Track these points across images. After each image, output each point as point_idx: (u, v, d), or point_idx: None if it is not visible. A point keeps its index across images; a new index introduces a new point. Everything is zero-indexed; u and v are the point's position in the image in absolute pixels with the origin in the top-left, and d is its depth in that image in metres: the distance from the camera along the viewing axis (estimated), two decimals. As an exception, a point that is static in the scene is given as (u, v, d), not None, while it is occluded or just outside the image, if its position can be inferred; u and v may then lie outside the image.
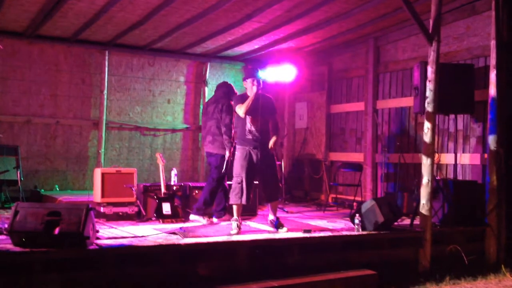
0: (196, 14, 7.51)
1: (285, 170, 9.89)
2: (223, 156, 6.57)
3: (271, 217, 6.12)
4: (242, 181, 5.87)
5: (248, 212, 6.93)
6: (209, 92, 10.22)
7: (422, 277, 5.78)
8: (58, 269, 4.50)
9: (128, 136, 9.63)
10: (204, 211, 6.65)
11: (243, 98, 6.05)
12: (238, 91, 10.33)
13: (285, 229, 5.98)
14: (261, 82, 6.00)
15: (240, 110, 5.94)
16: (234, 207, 5.93)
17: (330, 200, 9.37)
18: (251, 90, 6.03)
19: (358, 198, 8.38)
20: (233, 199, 5.90)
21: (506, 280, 5.86)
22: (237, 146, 6.05)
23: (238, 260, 5.31)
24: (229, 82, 7.15)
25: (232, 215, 5.94)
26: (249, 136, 5.97)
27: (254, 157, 5.94)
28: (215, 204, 6.75)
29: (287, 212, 7.94)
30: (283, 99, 10.58)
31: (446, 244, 6.37)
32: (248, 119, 5.97)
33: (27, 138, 8.76)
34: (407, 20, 7.73)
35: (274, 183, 6.08)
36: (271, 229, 6.05)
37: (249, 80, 6.07)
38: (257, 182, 6.44)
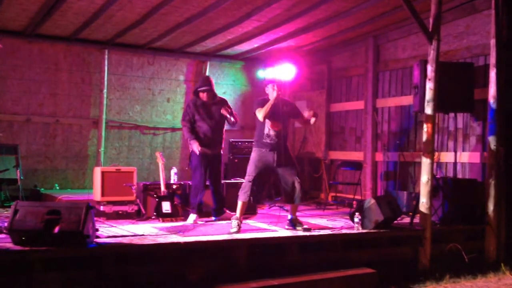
0: (196, 13, 7.51)
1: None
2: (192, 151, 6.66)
3: (289, 216, 6.16)
4: (252, 180, 5.92)
5: (248, 210, 6.92)
6: (208, 91, 10.22)
7: (422, 275, 5.78)
8: (58, 268, 4.50)
9: (128, 135, 9.63)
10: (196, 209, 6.62)
11: (263, 102, 6.06)
12: (233, 89, 10.47)
13: (302, 227, 5.99)
14: (279, 87, 6.04)
15: (259, 114, 5.96)
16: (239, 204, 5.95)
17: (329, 199, 9.37)
18: (272, 95, 6.05)
19: (358, 197, 8.39)
20: (242, 196, 5.96)
21: (506, 278, 5.86)
22: (254, 148, 6.09)
23: (237, 258, 5.31)
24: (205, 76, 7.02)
25: (234, 213, 5.96)
26: (267, 140, 6.00)
27: (271, 159, 5.97)
28: (211, 202, 6.79)
29: (287, 210, 7.91)
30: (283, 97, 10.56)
31: (446, 243, 6.37)
32: (268, 123, 6.00)
33: (26, 137, 8.77)
34: (407, 19, 7.72)
35: (293, 188, 6.04)
36: (289, 227, 6.05)
37: (270, 86, 6.12)
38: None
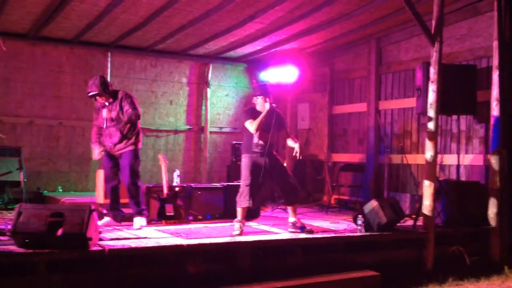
0: (199, 16, 7.52)
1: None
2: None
3: (291, 219, 6.15)
4: (249, 184, 5.93)
5: (250, 213, 6.92)
6: (211, 93, 10.24)
7: (425, 278, 5.76)
8: (61, 270, 4.51)
9: (131, 137, 9.63)
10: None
11: (253, 113, 6.06)
12: (235, 91, 10.49)
13: (305, 229, 5.99)
14: (271, 99, 6.04)
15: (252, 126, 5.97)
16: (240, 211, 5.96)
17: (332, 201, 9.36)
18: (262, 106, 6.05)
19: (361, 199, 8.37)
20: (241, 202, 5.95)
21: (509, 281, 5.83)
22: (243, 154, 6.11)
23: (240, 261, 5.31)
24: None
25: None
26: (256, 149, 6.03)
27: (262, 163, 5.99)
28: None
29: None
30: (285, 100, 10.57)
31: (449, 245, 6.36)
32: (257, 133, 6.01)
33: (30, 139, 8.78)
34: (409, 21, 7.72)
35: (291, 186, 6.09)
36: (293, 230, 6.05)
37: (260, 97, 6.08)
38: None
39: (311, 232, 5.92)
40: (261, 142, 6.01)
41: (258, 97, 6.11)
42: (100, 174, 6.97)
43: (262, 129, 5.99)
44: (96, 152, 6.25)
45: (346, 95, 9.71)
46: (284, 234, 5.93)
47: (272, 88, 6.19)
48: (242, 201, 5.94)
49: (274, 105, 6.03)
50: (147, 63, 9.73)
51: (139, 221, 6.13)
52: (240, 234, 5.74)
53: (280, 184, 6.10)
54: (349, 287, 5.29)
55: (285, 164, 6.48)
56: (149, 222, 6.55)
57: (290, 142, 6.19)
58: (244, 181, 5.98)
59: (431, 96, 6.20)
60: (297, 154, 6.02)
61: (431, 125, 6.18)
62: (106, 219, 6.31)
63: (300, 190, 6.25)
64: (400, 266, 6.02)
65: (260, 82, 6.26)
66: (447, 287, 5.55)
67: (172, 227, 6.23)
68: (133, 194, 6.24)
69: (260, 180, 6.00)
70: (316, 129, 10.20)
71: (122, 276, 4.75)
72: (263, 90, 6.16)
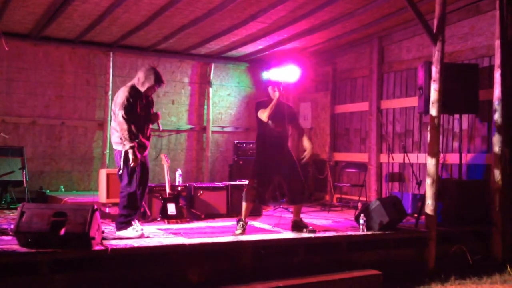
0: (201, 15, 7.53)
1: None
2: (119, 152, 5.55)
3: (294, 218, 6.15)
4: (257, 181, 5.93)
5: (253, 212, 6.93)
6: (213, 92, 10.25)
7: (427, 277, 5.77)
8: (64, 270, 4.52)
9: (133, 137, 9.63)
10: (133, 218, 5.63)
11: (265, 103, 6.08)
12: (237, 90, 10.49)
13: (307, 229, 5.98)
14: (281, 88, 6.05)
15: (263, 114, 5.97)
16: (244, 206, 5.96)
17: (334, 201, 9.37)
18: (273, 95, 6.08)
19: (363, 198, 8.38)
20: (247, 197, 5.96)
21: (512, 280, 5.85)
22: (257, 149, 6.13)
23: (242, 260, 5.31)
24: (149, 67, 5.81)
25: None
26: (270, 141, 6.03)
27: (274, 160, 5.97)
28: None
29: (291, 212, 7.92)
30: (287, 99, 10.53)
31: (451, 244, 6.36)
32: (271, 124, 6.01)
33: (32, 139, 8.80)
34: (411, 20, 7.72)
35: (298, 186, 6.07)
36: (295, 229, 6.04)
37: (270, 87, 6.14)
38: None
39: (313, 231, 5.92)
40: (274, 133, 6.01)
41: (269, 87, 6.16)
42: (103, 174, 6.98)
43: (275, 120, 5.98)
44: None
45: (348, 94, 9.70)
46: (286, 233, 5.94)
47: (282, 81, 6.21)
48: (249, 198, 5.95)
49: (282, 91, 6.00)
50: (149, 62, 9.71)
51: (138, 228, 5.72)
52: (243, 233, 5.75)
53: (288, 181, 6.06)
54: (351, 286, 5.30)
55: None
56: (151, 221, 6.58)
57: (306, 142, 6.17)
58: (252, 178, 5.98)
59: (433, 95, 6.20)
60: (305, 156, 6.00)
61: (433, 124, 6.18)
62: (139, 228, 5.57)
63: (306, 191, 6.20)
64: (402, 265, 6.02)
65: (272, 77, 6.38)
66: (449, 286, 5.55)
67: (174, 226, 6.24)
68: (143, 199, 5.97)
69: (270, 178, 6.00)
70: (318, 128, 10.20)
71: (124, 275, 4.76)
72: (274, 81, 6.20)
